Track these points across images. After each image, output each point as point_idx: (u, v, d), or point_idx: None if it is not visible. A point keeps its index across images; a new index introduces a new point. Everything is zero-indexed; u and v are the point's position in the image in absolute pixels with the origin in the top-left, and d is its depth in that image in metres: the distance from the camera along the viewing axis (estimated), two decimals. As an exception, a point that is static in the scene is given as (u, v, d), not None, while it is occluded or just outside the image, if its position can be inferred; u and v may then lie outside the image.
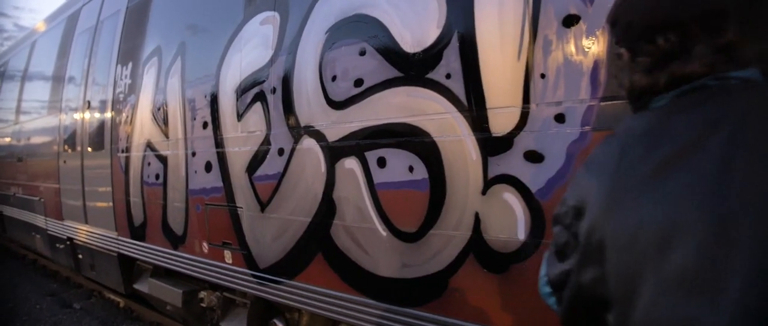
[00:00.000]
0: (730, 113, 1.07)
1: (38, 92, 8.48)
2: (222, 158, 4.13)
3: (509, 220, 2.43)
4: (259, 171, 3.77)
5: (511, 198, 2.43)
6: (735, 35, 1.13)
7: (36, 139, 8.34)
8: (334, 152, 3.21)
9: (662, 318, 1.00)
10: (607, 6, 2.11)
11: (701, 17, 1.15)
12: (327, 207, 3.26)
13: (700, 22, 1.15)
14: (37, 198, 8.16)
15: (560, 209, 1.30)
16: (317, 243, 3.36)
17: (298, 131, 3.45)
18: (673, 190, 1.04)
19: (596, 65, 2.18)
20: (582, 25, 2.22)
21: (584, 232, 1.17)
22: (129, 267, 5.97)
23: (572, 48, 2.25)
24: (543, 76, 2.33)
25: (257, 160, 3.78)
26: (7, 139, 9.77)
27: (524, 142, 2.39)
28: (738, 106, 1.08)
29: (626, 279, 1.07)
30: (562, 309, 1.31)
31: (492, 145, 2.49)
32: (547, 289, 1.39)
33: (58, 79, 7.53)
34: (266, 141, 3.70)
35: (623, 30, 1.27)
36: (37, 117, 8.39)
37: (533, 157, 2.36)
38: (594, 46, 2.18)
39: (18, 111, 9.33)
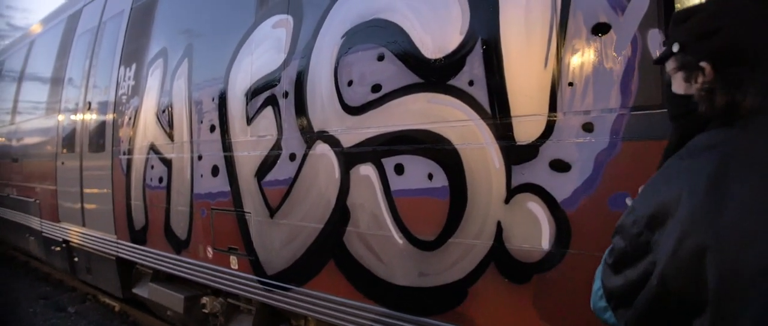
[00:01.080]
0: None
1: (36, 92, 8.38)
2: (230, 162, 4.08)
3: (533, 230, 2.40)
4: (269, 176, 3.72)
5: (536, 207, 2.40)
6: None
7: (33, 140, 8.24)
8: (349, 158, 3.17)
9: None
10: (639, 14, 2.11)
11: None
12: (340, 214, 3.22)
13: None
14: (32, 200, 8.04)
15: (627, 219, 1.30)
16: (329, 250, 3.31)
17: (311, 136, 3.41)
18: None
19: (626, 74, 2.16)
20: (613, 34, 2.20)
21: (675, 239, 1.15)
22: (127, 270, 5.88)
23: (602, 57, 2.22)
24: (571, 84, 2.30)
25: (267, 164, 3.73)
26: (4, 140, 9.65)
27: (550, 150, 2.36)
28: None
29: (736, 281, 1.07)
30: (633, 319, 1.28)
31: (516, 154, 2.46)
32: (603, 304, 1.38)
33: (58, 80, 7.45)
34: (277, 145, 3.65)
35: (721, 48, 1.25)
36: (34, 117, 8.29)
37: (560, 166, 2.33)
38: (625, 55, 2.16)
39: (14, 111, 9.22)
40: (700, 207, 1.14)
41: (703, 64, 1.27)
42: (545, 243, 2.36)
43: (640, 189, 1.39)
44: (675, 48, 1.36)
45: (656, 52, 2.08)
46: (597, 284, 1.44)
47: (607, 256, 1.40)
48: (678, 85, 1.38)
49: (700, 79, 1.29)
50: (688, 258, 1.14)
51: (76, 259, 7.01)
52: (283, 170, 3.61)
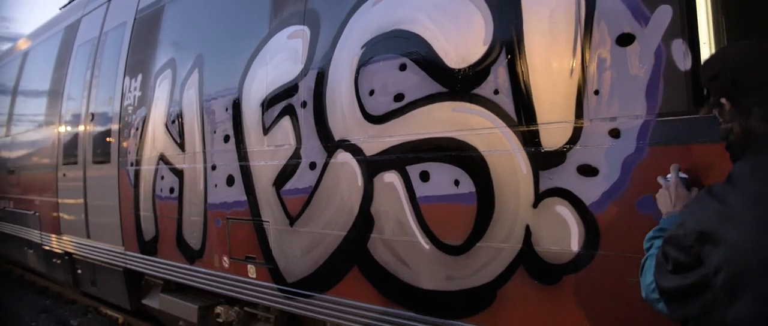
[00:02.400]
0: None
1: (33, 104, 8.35)
2: (246, 172, 4.13)
3: (562, 232, 2.50)
4: (288, 185, 3.78)
5: (564, 210, 2.49)
6: None
7: (30, 152, 8.20)
8: (372, 166, 3.25)
9: None
10: (663, 25, 2.22)
11: None
12: (364, 221, 3.29)
13: None
14: (31, 212, 8.00)
15: (678, 231, 1.51)
16: (353, 257, 3.38)
17: (331, 145, 3.48)
18: None
19: (652, 83, 2.26)
20: (637, 45, 2.30)
21: (726, 257, 1.37)
22: (135, 282, 5.89)
23: (627, 66, 2.32)
24: (597, 92, 2.40)
25: (286, 173, 3.79)
26: (-3, 152, 9.59)
27: (577, 156, 2.46)
28: None
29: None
30: (693, 317, 1.49)
31: (543, 159, 2.56)
32: (656, 296, 1.61)
33: (56, 91, 7.43)
34: (296, 154, 3.72)
35: (727, 84, 1.57)
36: (31, 129, 8.25)
37: (587, 170, 2.42)
38: (649, 64, 2.26)
39: (9, 123, 9.16)
40: (752, 229, 1.37)
41: (722, 100, 1.59)
42: (574, 245, 2.46)
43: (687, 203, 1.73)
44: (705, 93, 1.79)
45: (681, 62, 2.18)
46: (648, 278, 1.67)
47: (661, 260, 1.58)
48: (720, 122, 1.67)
49: (723, 114, 1.61)
50: (744, 275, 1.36)
51: (79, 271, 6.99)
52: (302, 179, 3.68)
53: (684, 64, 2.18)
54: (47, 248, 7.64)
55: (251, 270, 4.13)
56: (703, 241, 1.44)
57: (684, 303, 1.52)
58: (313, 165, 3.61)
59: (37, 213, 7.83)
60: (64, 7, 8.71)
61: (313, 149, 3.61)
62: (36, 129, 8.06)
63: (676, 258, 1.52)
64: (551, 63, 2.55)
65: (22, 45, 9.74)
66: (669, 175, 2.04)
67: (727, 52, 1.72)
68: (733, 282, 1.36)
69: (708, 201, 1.50)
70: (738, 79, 1.55)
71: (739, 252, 1.36)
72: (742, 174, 1.49)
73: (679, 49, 2.19)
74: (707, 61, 1.79)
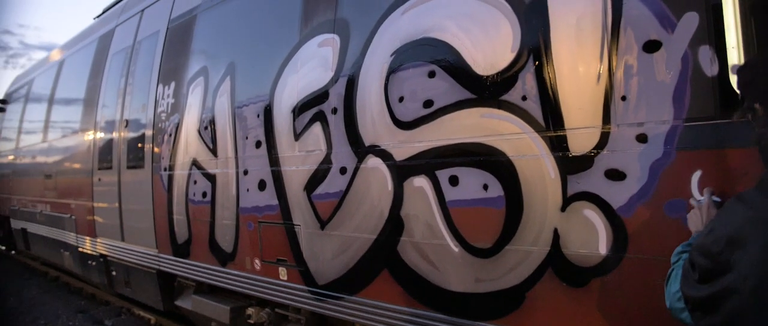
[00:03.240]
0: None
1: (69, 111, 8.59)
2: (277, 177, 4.24)
3: (590, 236, 2.54)
4: (319, 190, 3.87)
5: (592, 214, 2.54)
6: None
7: (67, 157, 8.43)
8: (402, 171, 3.32)
9: None
10: (689, 32, 2.26)
11: None
12: (394, 225, 3.37)
13: None
14: (67, 216, 8.24)
15: (707, 238, 1.52)
16: (383, 260, 3.46)
17: (362, 150, 3.56)
18: None
19: (679, 89, 2.30)
20: (663, 51, 2.34)
21: (757, 263, 1.38)
22: (168, 283, 6.05)
23: (654, 72, 2.37)
24: (624, 98, 2.45)
25: (317, 178, 3.89)
26: (34, 157, 9.88)
27: (605, 160, 2.50)
28: None
29: None
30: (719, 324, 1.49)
31: (571, 164, 2.61)
32: (681, 305, 1.62)
33: (92, 98, 7.65)
34: (327, 160, 3.81)
35: (761, 90, 1.57)
36: (68, 135, 8.50)
37: (615, 175, 2.47)
38: (676, 70, 2.30)
39: (46, 129, 9.44)
40: None
41: (756, 105, 1.58)
42: (603, 248, 2.50)
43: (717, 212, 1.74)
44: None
45: (707, 68, 2.22)
46: (674, 287, 1.67)
47: (687, 269, 1.60)
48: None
49: (757, 119, 1.60)
50: None
51: (113, 273, 7.18)
52: (333, 183, 3.77)
53: (711, 69, 2.22)
54: (83, 250, 7.86)
55: (282, 272, 4.23)
56: (733, 247, 1.44)
57: (709, 312, 1.52)
58: (343, 170, 3.70)
59: (73, 217, 8.06)
60: (98, 17, 8.98)
61: (343, 154, 3.70)
62: (72, 135, 8.30)
63: (704, 266, 1.52)
64: (578, 69, 2.60)
65: (58, 54, 10.03)
66: (702, 197, 2.08)
67: (762, 58, 1.74)
68: (763, 287, 1.38)
69: (738, 207, 1.52)
70: None
71: None
72: None
73: (706, 55, 2.23)
74: (742, 67, 1.81)
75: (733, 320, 1.45)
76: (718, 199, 2.06)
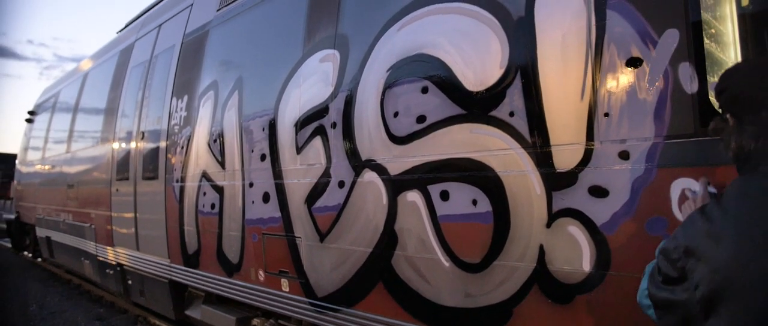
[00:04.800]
0: None
1: (91, 122, 8.82)
2: (280, 189, 4.31)
3: (574, 252, 2.54)
4: (319, 203, 3.92)
5: (576, 231, 2.54)
6: None
7: (88, 168, 8.65)
8: (396, 185, 3.36)
9: None
10: (670, 49, 2.26)
11: None
12: (388, 238, 3.40)
13: None
14: (87, 225, 8.44)
15: (670, 244, 1.55)
16: (378, 273, 3.49)
17: (359, 164, 3.61)
18: None
19: (659, 105, 2.30)
20: (645, 68, 2.34)
21: (707, 274, 1.40)
22: (180, 293, 6.15)
23: (636, 89, 2.37)
24: (607, 114, 2.45)
25: (317, 191, 3.94)
26: (58, 167, 10.14)
27: (588, 177, 2.50)
28: None
29: (752, 315, 1.31)
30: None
31: (556, 180, 2.61)
32: (648, 302, 1.66)
33: (112, 110, 7.86)
34: (326, 173, 3.86)
35: (729, 100, 1.55)
36: (89, 146, 8.72)
37: (598, 191, 2.47)
38: (657, 86, 2.30)
39: (70, 140, 9.70)
40: (731, 248, 1.38)
41: (727, 116, 1.58)
42: (586, 265, 2.50)
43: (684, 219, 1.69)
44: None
45: (687, 85, 2.22)
46: (644, 284, 1.71)
47: (655, 270, 1.64)
48: None
49: (728, 131, 1.59)
50: (721, 290, 1.38)
51: (129, 282, 7.33)
52: (332, 196, 3.82)
53: (691, 86, 2.21)
54: (101, 259, 8.04)
55: (284, 283, 4.29)
56: (688, 257, 1.48)
57: (668, 313, 1.57)
58: (341, 184, 3.75)
59: (93, 226, 8.25)
60: (120, 31, 9.22)
61: (341, 168, 3.75)
62: (93, 146, 8.52)
63: (665, 270, 1.57)
64: (563, 85, 2.61)
65: (83, 66, 10.32)
66: (698, 188, 2.07)
67: (734, 69, 1.71)
68: (708, 298, 1.40)
69: (698, 219, 1.54)
70: (738, 95, 1.55)
71: (716, 269, 1.39)
72: (729, 193, 1.52)
73: (686, 71, 2.23)
74: (719, 78, 1.79)
75: (684, 324, 1.49)
76: (713, 190, 2.03)
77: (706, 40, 2.22)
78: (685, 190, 2.18)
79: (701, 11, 2.22)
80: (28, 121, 13.04)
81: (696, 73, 2.20)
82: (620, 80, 2.42)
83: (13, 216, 14.05)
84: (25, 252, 13.98)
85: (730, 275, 1.37)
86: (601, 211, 2.46)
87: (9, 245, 15.32)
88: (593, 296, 2.48)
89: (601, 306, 2.48)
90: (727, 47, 2.36)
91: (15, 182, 14.31)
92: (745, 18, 2.31)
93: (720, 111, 1.71)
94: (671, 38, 2.27)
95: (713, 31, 2.34)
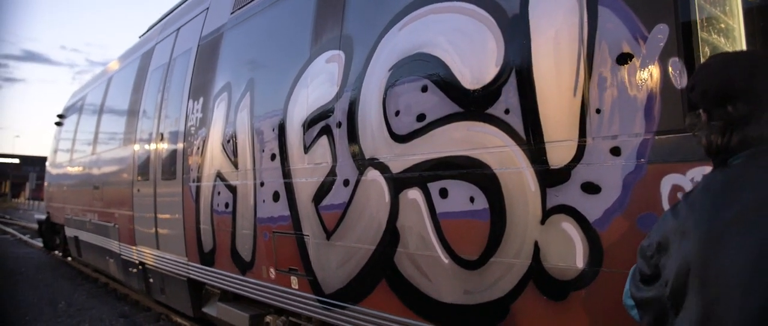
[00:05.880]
0: None
1: (114, 124, 9.04)
2: (289, 188, 4.37)
3: (568, 249, 2.54)
4: (325, 201, 3.98)
5: (570, 227, 2.54)
6: None
7: (112, 169, 8.87)
8: (397, 183, 3.39)
9: None
10: (659, 44, 2.25)
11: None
12: (391, 236, 3.43)
13: (766, 91, 1.37)
14: (111, 225, 8.64)
15: (646, 241, 1.57)
16: (381, 270, 3.52)
17: (363, 163, 3.65)
18: (753, 240, 1.28)
19: (650, 100, 2.29)
20: (635, 63, 2.34)
21: (674, 269, 1.41)
22: (198, 291, 6.27)
23: (626, 84, 2.36)
24: (598, 111, 2.45)
25: (323, 190, 3.99)
26: (85, 169, 10.40)
27: (581, 173, 2.50)
28: None
29: (717, 310, 1.30)
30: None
31: (550, 177, 2.62)
32: (631, 302, 1.67)
33: (133, 113, 8.05)
34: (332, 172, 3.91)
35: (699, 95, 1.54)
36: (113, 147, 8.93)
37: (590, 188, 2.47)
38: (647, 82, 2.30)
39: (95, 141, 9.95)
40: (695, 241, 1.38)
41: (700, 111, 1.57)
42: (579, 262, 2.50)
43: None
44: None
45: (677, 81, 2.21)
46: (628, 285, 1.72)
47: (636, 270, 1.65)
48: None
49: (699, 126, 1.58)
50: (685, 286, 1.38)
51: (151, 280, 7.49)
52: (338, 195, 3.87)
53: (680, 81, 2.20)
54: (125, 258, 8.23)
55: (294, 281, 4.35)
56: (661, 252, 1.49)
57: (647, 312, 1.58)
58: (346, 182, 3.79)
59: (117, 226, 8.45)
60: (142, 35, 9.43)
61: (347, 167, 3.80)
62: (116, 148, 8.72)
63: (642, 268, 1.57)
64: (557, 82, 2.61)
65: (108, 70, 10.57)
66: (687, 184, 2.07)
67: (705, 64, 1.69)
68: (676, 293, 1.41)
69: (668, 215, 1.54)
70: (707, 90, 1.54)
71: (681, 264, 1.39)
72: (696, 188, 1.52)
73: (676, 67, 2.22)
74: (693, 74, 1.77)
75: (659, 322, 1.51)
76: None
77: (703, 34, 2.20)
78: (675, 186, 2.17)
79: (690, 5, 2.21)
80: (58, 124, 13.39)
81: (685, 68, 2.19)
82: (611, 76, 2.42)
83: (43, 217, 14.43)
84: (56, 252, 14.35)
85: (692, 269, 1.37)
86: (593, 208, 2.46)
87: (41, 245, 15.76)
88: (587, 293, 2.48)
89: (595, 303, 2.47)
90: (719, 42, 2.34)
91: (46, 183, 14.71)
92: (742, 12, 2.28)
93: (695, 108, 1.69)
94: (661, 33, 2.26)
95: (706, 25, 2.32)
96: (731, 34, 2.29)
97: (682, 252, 1.40)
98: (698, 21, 2.21)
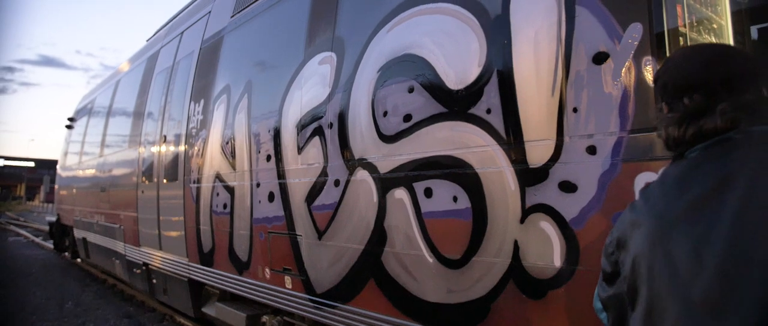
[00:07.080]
0: (747, 165, 1.32)
1: (121, 127, 9.16)
2: (284, 189, 4.42)
3: (546, 248, 2.55)
4: (317, 201, 4.02)
5: (548, 226, 2.55)
6: (756, 94, 1.39)
7: (117, 171, 8.98)
8: (385, 183, 3.42)
9: None
10: (634, 44, 2.27)
11: (723, 80, 1.41)
12: (379, 235, 3.46)
13: (722, 83, 1.40)
14: (117, 226, 8.75)
15: (607, 239, 1.58)
16: (369, 269, 3.55)
17: (352, 163, 3.69)
18: (698, 230, 1.28)
19: (624, 99, 2.31)
20: (610, 62, 2.35)
21: (630, 262, 1.42)
22: (198, 291, 6.33)
23: (602, 83, 2.38)
24: (575, 110, 2.46)
25: (316, 190, 4.03)
26: (93, 171, 10.53)
27: (559, 172, 2.52)
28: (756, 157, 1.33)
29: (660, 302, 1.31)
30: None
31: (529, 176, 2.63)
32: (599, 305, 1.66)
33: (139, 115, 8.15)
34: (324, 173, 3.95)
35: (661, 88, 1.56)
36: (118, 150, 9.05)
37: (567, 187, 2.48)
38: (622, 81, 2.31)
39: (102, 144, 10.07)
40: (647, 235, 1.39)
41: (662, 104, 1.57)
42: (557, 261, 2.51)
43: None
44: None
45: (649, 78, 2.22)
46: (597, 288, 1.70)
47: (602, 270, 1.65)
48: None
49: (662, 119, 1.57)
50: (638, 279, 1.39)
51: (154, 281, 7.57)
52: (329, 195, 3.90)
53: (653, 80, 2.21)
54: (130, 259, 8.32)
55: (288, 281, 4.39)
56: (620, 248, 1.49)
57: (610, 312, 1.57)
58: (337, 183, 3.83)
59: (122, 227, 8.55)
60: (149, 38, 9.55)
61: (337, 167, 3.84)
62: (122, 150, 8.83)
63: (604, 267, 1.57)
64: (536, 82, 2.63)
65: (116, 74, 10.71)
66: None
67: (668, 58, 1.69)
68: (631, 287, 1.41)
69: (627, 211, 1.53)
70: (667, 83, 1.54)
71: (634, 257, 1.40)
72: (653, 183, 1.52)
73: (649, 65, 2.23)
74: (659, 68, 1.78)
75: (620, 321, 1.50)
76: None
77: (682, 30, 2.21)
78: (648, 184, 2.18)
79: (663, 4, 2.23)
80: (68, 127, 13.56)
81: (659, 66, 2.20)
82: (588, 75, 2.43)
83: (54, 219, 14.62)
84: (65, 253, 14.52)
85: (643, 261, 1.38)
86: (570, 206, 2.47)
87: (51, 246, 15.95)
88: (564, 291, 2.49)
89: (572, 302, 2.48)
90: (700, 40, 2.34)
91: (56, 186, 14.90)
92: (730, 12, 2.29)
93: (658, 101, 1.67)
94: (635, 32, 2.28)
95: (681, 23, 2.33)
96: (712, 31, 2.31)
97: (634, 245, 1.41)
98: (670, 19, 2.22)
